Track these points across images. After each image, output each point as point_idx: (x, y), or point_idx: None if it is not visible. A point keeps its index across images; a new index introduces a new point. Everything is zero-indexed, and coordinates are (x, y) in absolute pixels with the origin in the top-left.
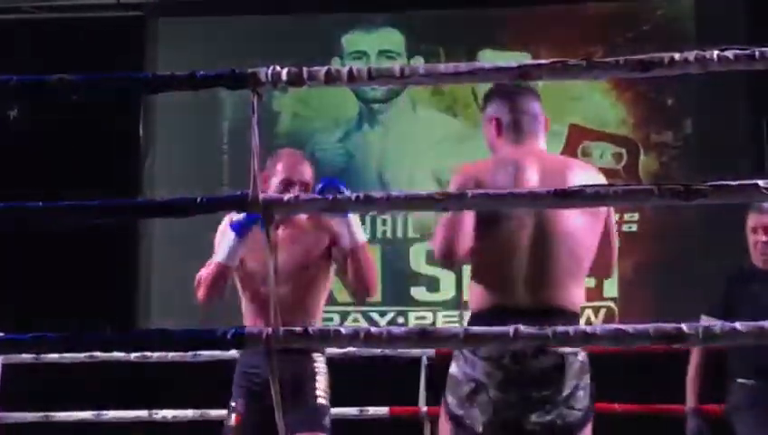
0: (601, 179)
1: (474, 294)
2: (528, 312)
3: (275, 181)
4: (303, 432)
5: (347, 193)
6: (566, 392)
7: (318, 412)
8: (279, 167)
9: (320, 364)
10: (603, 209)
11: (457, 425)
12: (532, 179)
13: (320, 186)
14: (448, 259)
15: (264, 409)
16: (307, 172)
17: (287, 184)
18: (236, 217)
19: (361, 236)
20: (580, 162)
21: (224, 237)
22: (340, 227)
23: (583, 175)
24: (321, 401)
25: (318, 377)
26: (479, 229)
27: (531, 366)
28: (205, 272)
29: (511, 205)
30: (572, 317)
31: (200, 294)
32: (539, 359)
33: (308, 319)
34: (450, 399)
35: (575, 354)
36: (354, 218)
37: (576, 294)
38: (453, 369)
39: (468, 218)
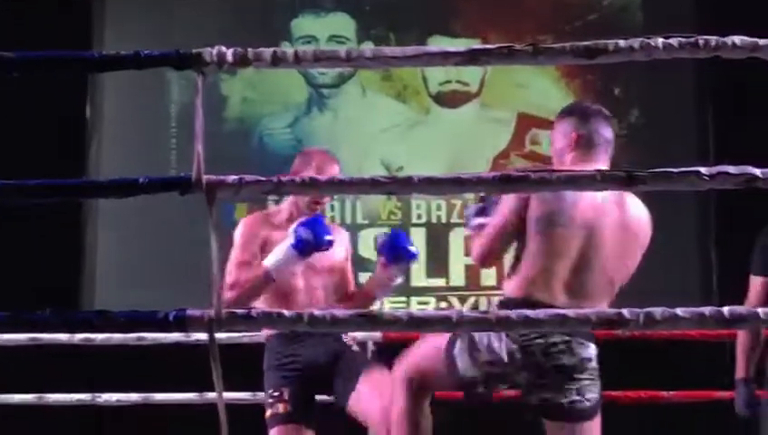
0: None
1: (513, 283)
2: None
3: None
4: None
5: (414, 249)
6: (578, 386)
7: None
8: (308, 167)
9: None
10: (647, 241)
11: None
12: (597, 194)
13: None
14: (487, 266)
15: (308, 393)
16: (336, 172)
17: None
18: (305, 233)
19: None
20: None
21: (282, 248)
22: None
23: (636, 201)
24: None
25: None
26: (535, 227)
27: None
28: (246, 276)
29: (453, 190)
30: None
31: (235, 297)
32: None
33: None
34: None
35: (589, 352)
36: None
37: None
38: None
39: (511, 227)
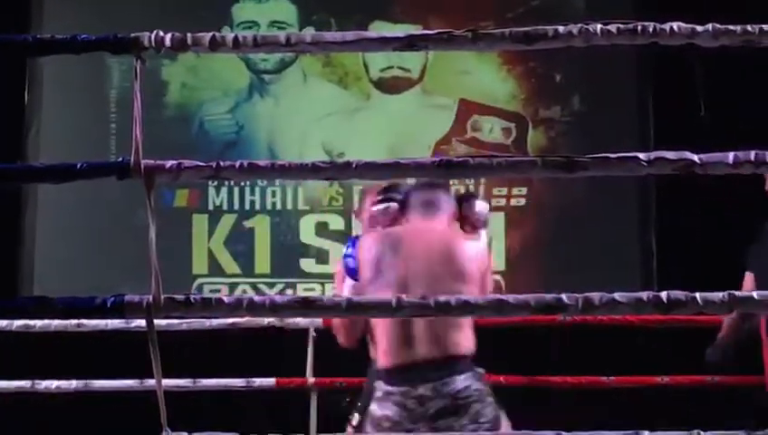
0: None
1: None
2: None
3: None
4: None
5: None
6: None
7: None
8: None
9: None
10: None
11: None
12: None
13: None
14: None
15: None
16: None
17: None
18: (350, 261)
19: None
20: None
21: (344, 284)
22: None
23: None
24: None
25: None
26: None
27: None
28: (337, 321)
29: (393, 175)
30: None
31: (341, 341)
32: (435, 401)
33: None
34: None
35: (471, 392)
36: None
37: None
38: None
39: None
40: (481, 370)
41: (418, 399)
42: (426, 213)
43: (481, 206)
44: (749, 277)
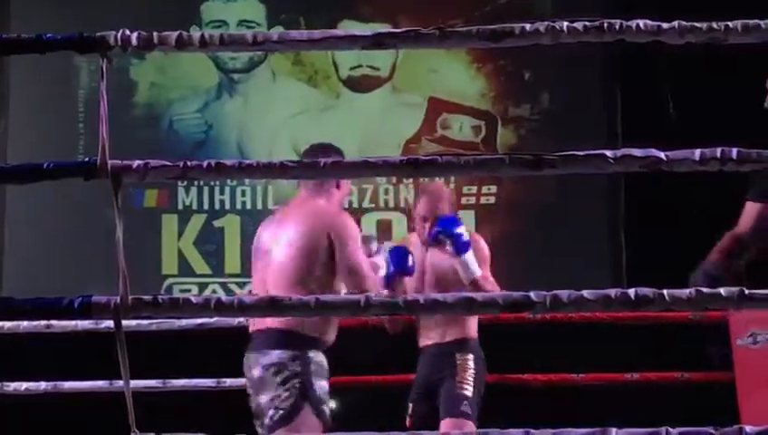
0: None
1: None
2: None
3: (417, 217)
4: (444, 418)
5: (462, 230)
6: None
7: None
8: (419, 204)
9: (459, 362)
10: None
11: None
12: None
13: (436, 229)
14: None
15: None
16: (446, 209)
17: (424, 221)
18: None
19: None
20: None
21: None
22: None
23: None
24: (457, 390)
25: (457, 373)
26: None
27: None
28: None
29: (362, 174)
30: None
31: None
32: (253, 371)
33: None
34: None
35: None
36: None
37: None
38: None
39: None
40: (316, 355)
41: (248, 367)
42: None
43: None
44: (750, 207)
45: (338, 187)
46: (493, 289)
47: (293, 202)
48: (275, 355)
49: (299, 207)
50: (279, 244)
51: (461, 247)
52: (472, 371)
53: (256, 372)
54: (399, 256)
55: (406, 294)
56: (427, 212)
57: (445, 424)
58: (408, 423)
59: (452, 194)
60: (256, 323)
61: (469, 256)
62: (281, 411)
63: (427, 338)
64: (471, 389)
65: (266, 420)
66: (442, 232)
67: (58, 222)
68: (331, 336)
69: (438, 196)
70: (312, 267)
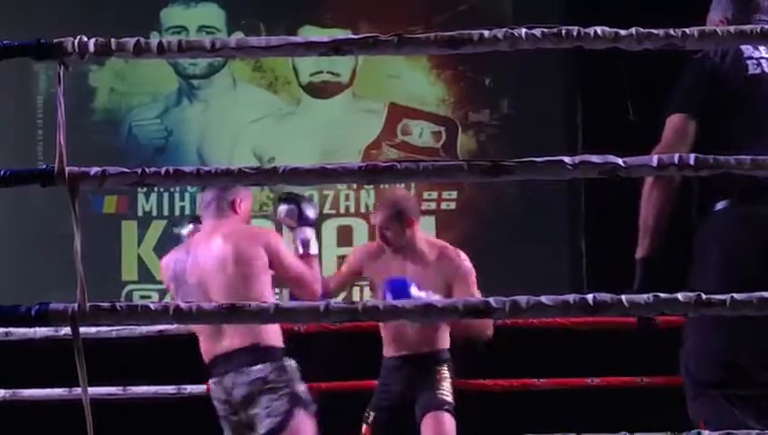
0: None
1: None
2: None
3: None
4: (428, 411)
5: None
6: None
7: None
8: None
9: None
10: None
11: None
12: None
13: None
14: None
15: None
16: (403, 216)
17: (381, 230)
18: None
19: None
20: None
21: None
22: None
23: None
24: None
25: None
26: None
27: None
28: None
29: (319, 181)
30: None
31: None
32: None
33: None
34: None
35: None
36: None
37: None
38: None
39: None
40: (289, 362)
41: (226, 390)
42: (215, 213)
43: (282, 208)
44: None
45: (234, 211)
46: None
47: (206, 232)
48: (257, 371)
49: (216, 233)
50: (210, 270)
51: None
52: (449, 381)
53: (239, 392)
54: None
55: None
56: (383, 223)
57: (428, 417)
58: (363, 431)
59: (414, 199)
60: (217, 350)
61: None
62: (278, 418)
63: (396, 348)
64: (451, 396)
65: (262, 431)
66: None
67: (15, 228)
68: (283, 341)
69: (395, 205)
70: (251, 286)
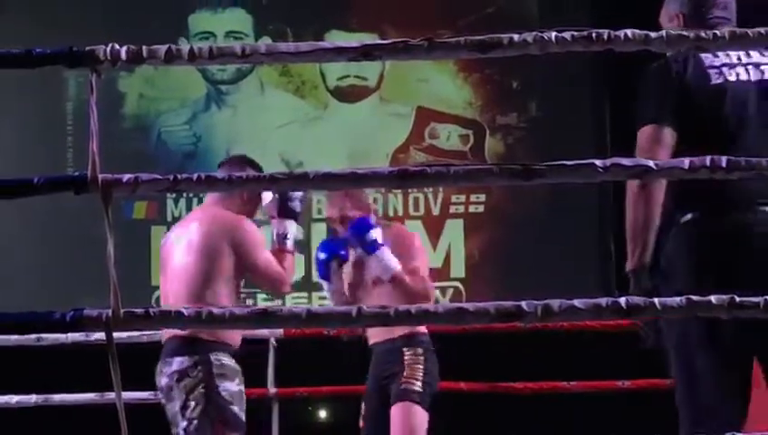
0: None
1: None
2: None
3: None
4: (394, 403)
5: (375, 229)
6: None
7: (403, 391)
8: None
9: (408, 357)
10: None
11: None
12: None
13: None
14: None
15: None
16: (350, 207)
17: (333, 223)
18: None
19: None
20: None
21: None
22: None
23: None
24: (404, 386)
25: (405, 369)
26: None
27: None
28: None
29: (350, 186)
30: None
31: None
32: (161, 379)
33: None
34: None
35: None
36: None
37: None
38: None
39: None
40: (216, 356)
41: (156, 377)
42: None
43: (266, 197)
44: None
45: (241, 196)
46: (417, 283)
47: (197, 209)
48: (177, 363)
49: (199, 213)
50: (179, 251)
51: (368, 247)
52: (421, 367)
53: (163, 381)
54: (332, 245)
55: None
56: (332, 214)
57: (394, 409)
58: (360, 425)
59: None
60: (165, 333)
61: (381, 253)
62: (194, 422)
63: (376, 335)
64: (420, 383)
65: (179, 431)
66: (350, 238)
67: (48, 233)
68: (235, 339)
69: (341, 195)
70: (210, 272)
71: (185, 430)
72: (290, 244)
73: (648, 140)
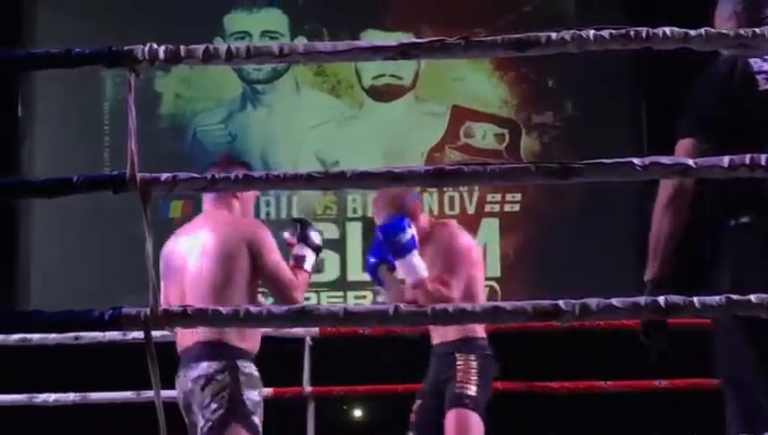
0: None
1: None
2: None
3: None
4: (449, 409)
5: (407, 231)
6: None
7: (457, 396)
8: None
9: (460, 362)
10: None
11: None
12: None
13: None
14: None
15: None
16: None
17: None
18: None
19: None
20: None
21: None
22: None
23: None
24: (458, 391)
25: (458, 373)
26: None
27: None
28: None
29: (387, 184)
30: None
31: None
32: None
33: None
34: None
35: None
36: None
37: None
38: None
39: None
40: (242, 363)
41: (178, 386)
42: (213, 200)
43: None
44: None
45: (235, 196)
46: (436, 292)
47: (201, 216)
48: (203, 367)
49: (209, 219)
50: (193, 256)
51: (396, 252)
52: (474, 371)
53: (187, 386)
54: (380, 249)
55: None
56: (375, 214)
57: (449, 415)
58: (412, 419)
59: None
60: (183, 341)
61: (408, 259)
62: (209, 423)
63: (435, 337)
64: (474, 388)
65: (198, 433)
66: (382, 241)
67: (85, 232)
68: (256, 346)
69: (382, 196)
70: (229, 277)
71: (201, 429)
72: (307, 265)
73: (684, 153)
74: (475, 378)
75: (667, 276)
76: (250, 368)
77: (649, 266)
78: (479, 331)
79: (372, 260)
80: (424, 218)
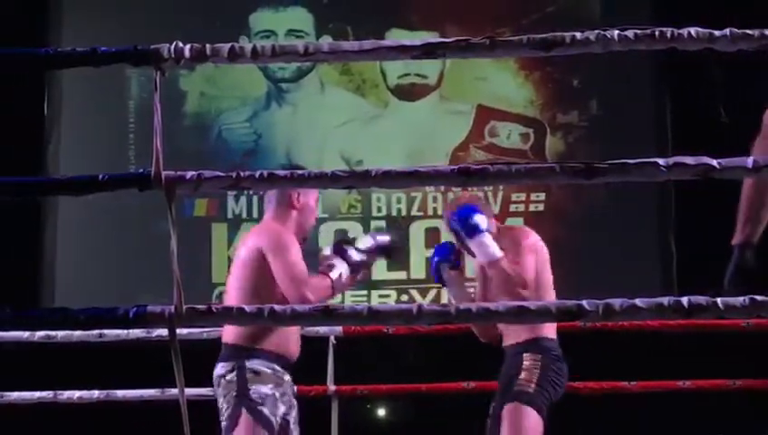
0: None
1: None
2: None
3: None
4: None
5: (480, 216)
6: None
7: (516, 392)
8: None
9: (527, 362)
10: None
11: None
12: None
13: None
14: None
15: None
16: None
17: None
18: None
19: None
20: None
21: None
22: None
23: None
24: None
25: (522, 372)
26: None
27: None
28: None
29: (411, 184)
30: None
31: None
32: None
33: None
34: None
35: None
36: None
37: None
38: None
39: None
40: (251, 362)
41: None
42: (269, 209)
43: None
44: None
45: (292, 206)
46: (517, 271)
47: (254, 228)
48: (218, 368)
49: (254, 229)
50: (234, 264)
51: (469, 232)
52: (538, 371)
53: (216, 382)
54: (441, 251)
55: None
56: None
57: (505, 409)
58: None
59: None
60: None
61: (481, 238)
62: (223, 423)
63: (505, 339)
64: (534, 386)
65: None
66: (454, 226)
67: (109, 230)
68: (281, 348)
69: (445, 215)
70: (254, 284)
71: (221, 428)
72: (333, 274)
73: None
74: (537, 377)
75: (753, 243)
76: (261, 366)
77: (738, 231)
78: (549, 331)
79: (435, 259)
80: (493, 222)
